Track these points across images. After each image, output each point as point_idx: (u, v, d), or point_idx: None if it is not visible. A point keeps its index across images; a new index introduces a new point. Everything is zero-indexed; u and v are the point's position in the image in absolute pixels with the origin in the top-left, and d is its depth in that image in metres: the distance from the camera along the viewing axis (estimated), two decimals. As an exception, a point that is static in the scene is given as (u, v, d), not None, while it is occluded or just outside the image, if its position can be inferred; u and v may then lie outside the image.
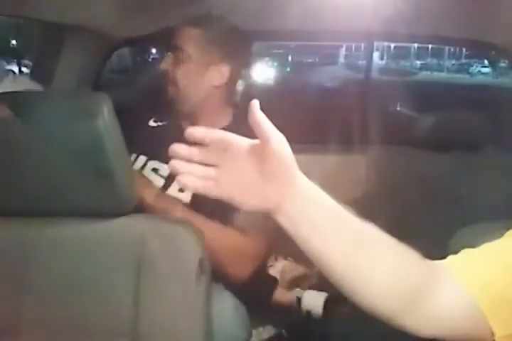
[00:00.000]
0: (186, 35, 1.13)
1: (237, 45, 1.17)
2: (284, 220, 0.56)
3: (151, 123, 1.24)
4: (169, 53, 1.15)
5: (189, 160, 0.56)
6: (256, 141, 0.56)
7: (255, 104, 0.54)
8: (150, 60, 9.04)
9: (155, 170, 1.15)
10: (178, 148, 0.56)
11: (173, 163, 0.56)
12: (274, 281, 1.36)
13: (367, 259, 0.56)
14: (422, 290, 0.57)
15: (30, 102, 0.77)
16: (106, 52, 1.58)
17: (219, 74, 1.15)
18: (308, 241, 0.56)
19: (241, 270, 1.03)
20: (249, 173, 0.55)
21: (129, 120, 1.07)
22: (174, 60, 1.14)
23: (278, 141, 0.55)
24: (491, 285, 0.56)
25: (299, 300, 1.33)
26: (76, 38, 1.37)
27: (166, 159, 1.18)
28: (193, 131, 0.56)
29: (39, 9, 1.10)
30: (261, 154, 0.55)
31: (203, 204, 1.01)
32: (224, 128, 1.24)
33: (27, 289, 0.80)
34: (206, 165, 0.56)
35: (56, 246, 0.81)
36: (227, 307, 1.02)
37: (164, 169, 1.15)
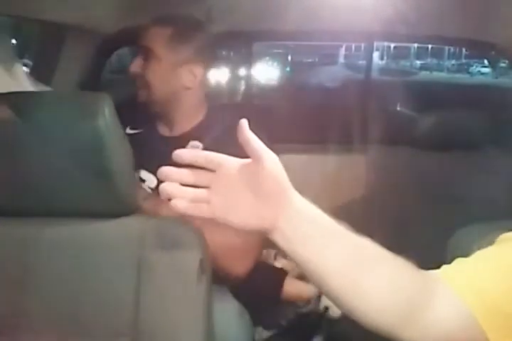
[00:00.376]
0: (154, 34, 1.10)
1: (207, 43, 1.14)
2: (279, 239, 0.56)
3: (128, 130, 1.20)
4: (138, 55, 1.11)
5: (179, 183, 0.55)
6: (247, 161, 0.55)
7: (244, 123, 0.53)
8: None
9: (142, 180, 1.13)
10: (167, 170, 0.56)
11: (164, 186, 0.55)
12: (282, 272, 1.35)
13: (364, 275, 0.56)
14: (419, 303, 0.56)
15: (31, 102, 0.77)
16: (106, 52, 1.58)
17: (191, 75, 1.11)
18: (304, 258, 0.56)
19: (239, 268, 1.03)
20: (241, 193, 0.55)
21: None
22: (144, 61, 1.10)
23: (270, 159, 0.54)
24: (486, 295, 0.56)
25: (320, 294, 1.31)
26: (76, 37, 1.37)
27: (151, 168, 1.15)
28: (181, 154, 0.55)
29: (39, 9, 1.10)
30: (253, 173, 0.54)
31: None
32: (199, 124, 1.23)
33: (27, 289, 0.80)
34: (197, 186, 0.56)
35: (56, 247, 0.81)
36: (229, 309, 1.02)
37: (151, 180, 1.12)
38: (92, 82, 1.55)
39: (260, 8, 1.45)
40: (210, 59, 1.16)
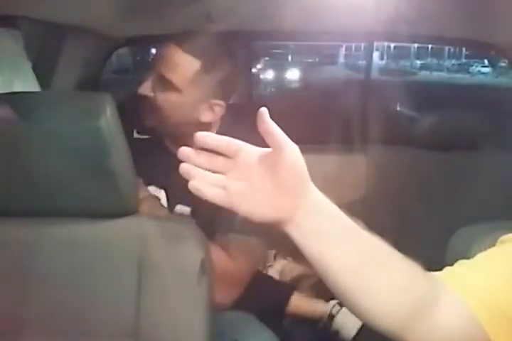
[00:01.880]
0: (178, 66, 0.97)
1: (230, 76, 1.03)
2: (294, 232, 0.55)
3: (135, 135, 1.13)
4: (151, 77, 1.00)
5: (198, 166, 0.55)
6: (267, 150, 0.54)
7: (264, 112, 0.52)
8: (150, 60, 9.05)
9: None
10: (188, 152, 0.56)
11: (186, 166, 0.55)
12: (289, 288, 1.33)
13: (375, 275, 0.56)
14: (426, 305, 0.56)
15: (33, 102, 0.77)
16: (106, 52, 1.58)
17: (211, 111, 1.02)
18: (318, 253, 0.55)
19: (225, 297, 0.98)
20: (258, 182, 0.54)
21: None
22: (157, 86, 0.99)
23: (291, 149, 0.53)
24: (488, 298, 0.56)
25: (331, 315, 1.29)
26: (76, 38, 1.37)
27: (152, 181, 1.06)
28: (204, 137, 0.55)
29: (39, 9, 1.09)
30: (273, 163, 0.53)
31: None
32: None
33: (27, 289, 0.80)
34: (214, 172, 0.56)
35: (57, 247, 0.81)
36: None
37: (160, 195, 1.06)
38: (92, 82, 1.55)
39: (260, 8, 1.44)
40: (231, 93, 1.06)
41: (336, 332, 1.28)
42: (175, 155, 1.17)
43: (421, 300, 0.56)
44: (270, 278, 1.37)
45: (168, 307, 0.79)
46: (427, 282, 0.58)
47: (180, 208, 1.06)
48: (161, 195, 1.07)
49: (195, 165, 0.55)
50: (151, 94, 1.00)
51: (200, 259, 0.80)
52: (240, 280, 1.01)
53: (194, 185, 0.54)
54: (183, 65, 0.98)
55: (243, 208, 0.54)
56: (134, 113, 1.05)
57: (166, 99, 0.99)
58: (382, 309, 0.56)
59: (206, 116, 1.02)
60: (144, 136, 1.13)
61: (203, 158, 0.55)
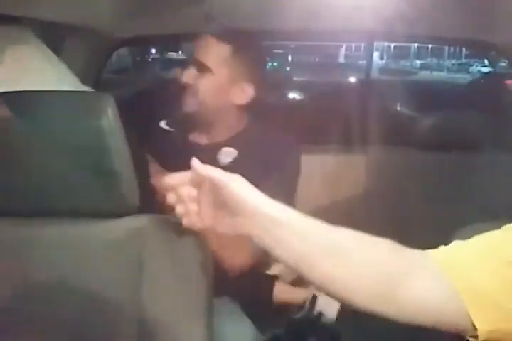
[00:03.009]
0: (211, 50, 1.11)
1: (261, 62, 1.18)
2: (259, 241, 0.63)
3: (162, 125, 1.23)
4: (191, 65, 1.13)
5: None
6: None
7: (195, 162, 0.64)
8: (150, 60, 9.05)
9: None
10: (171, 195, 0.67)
11: (179, 208, 0.68)
12: (271, 279, 1.35)
13: (339, 265, 0.60)
14: (397, 281, 0.58)
15: (33, 102, 0.77)
16: (106, 52, 1.58)
17: (242, 93, 1.14)
18: (283, 257, 0.62)
19: (240, 261, 1.04)
20: (218, 206, 0.65)
21: (140, 120, 1.07)
22: (197, 74, 1.12)
23: (236, 183, 0.63)
24: (475, 279, 0.56)
25: (314, 298, 1.30)
26: (76, 38, 1.38)
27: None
28: (165, 181, 0.67)
29: (39, 9, 1.09)
30: (217, 190, 0.64)
31: None
32: (239, 133, 1.27)
33: (27, 289, 0.80)
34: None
35: (57, 247, 0.81)
36: (231, 318, 1.02)
37: None
38: (92, 82, 1.55)
39: (260, 8, 1.45)
40: (262, 78, 1.18)
41: (320, 314, 1.29)
42: (199, 145, 1.18)
43: (393, 276, 0.59)
44: (252, 270, 1.38)
45: (167, 306, 0.79)
46: (398, 262, 0.60)
47: None
48: None
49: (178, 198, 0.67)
50: (192, 81, 1.12)
51: (200, 259, 0.80)
52: (248, 243, 1.06)
53: (184, 223, 0.68)
54: (216, 49, 1.11)
55: (218, 229, 0.66)
56: (165, 103, 1.20)
57: (204, 83, 1.11)
58: (346, 290, 0.60)
59: (239, 98, 1.14)
60: (170, 129, 1.23)
61: (179, 190, 0.67)
